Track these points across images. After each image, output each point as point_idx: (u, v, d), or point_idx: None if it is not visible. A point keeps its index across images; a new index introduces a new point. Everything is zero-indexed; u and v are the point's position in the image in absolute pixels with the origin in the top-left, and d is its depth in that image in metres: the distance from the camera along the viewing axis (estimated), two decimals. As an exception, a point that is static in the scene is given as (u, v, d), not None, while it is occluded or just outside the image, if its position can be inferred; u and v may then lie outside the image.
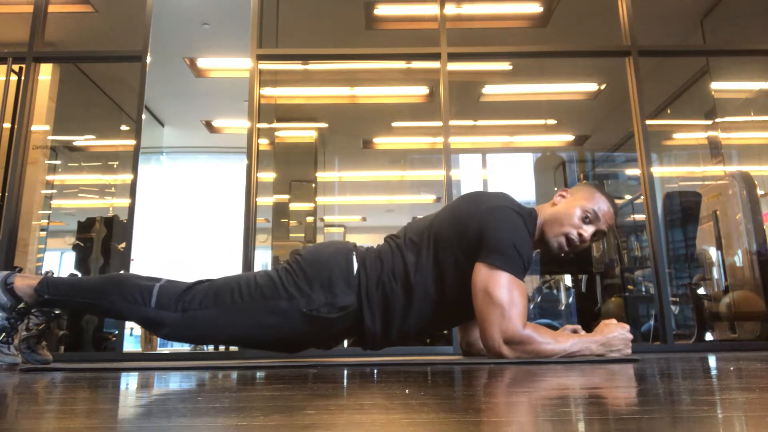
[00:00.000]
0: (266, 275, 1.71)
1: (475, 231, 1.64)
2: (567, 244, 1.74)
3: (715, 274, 3.99)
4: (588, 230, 1.73)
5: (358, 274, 1.67)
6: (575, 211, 1.74)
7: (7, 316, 1.66)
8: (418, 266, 1.68)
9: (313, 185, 5.89)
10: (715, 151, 5.02)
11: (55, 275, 1.74)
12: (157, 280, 1.70)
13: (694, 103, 5.14)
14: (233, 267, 3.44)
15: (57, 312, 1.75)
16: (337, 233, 7.37)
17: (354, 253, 1.72)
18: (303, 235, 5.82)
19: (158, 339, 5.39)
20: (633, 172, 5.03)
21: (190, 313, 1.64)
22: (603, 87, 5.33)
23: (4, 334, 1.64)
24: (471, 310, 1.64)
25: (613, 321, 1.69)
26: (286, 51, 4.20)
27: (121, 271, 3.34)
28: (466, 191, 1.86)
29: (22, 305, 1.67)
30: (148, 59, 3.50)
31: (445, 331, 4.02)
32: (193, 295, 1.66)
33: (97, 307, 1.72)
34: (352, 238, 8.35)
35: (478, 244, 1.62)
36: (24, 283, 1.69)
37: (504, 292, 1.56)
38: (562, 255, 1.78)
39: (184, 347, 8.97)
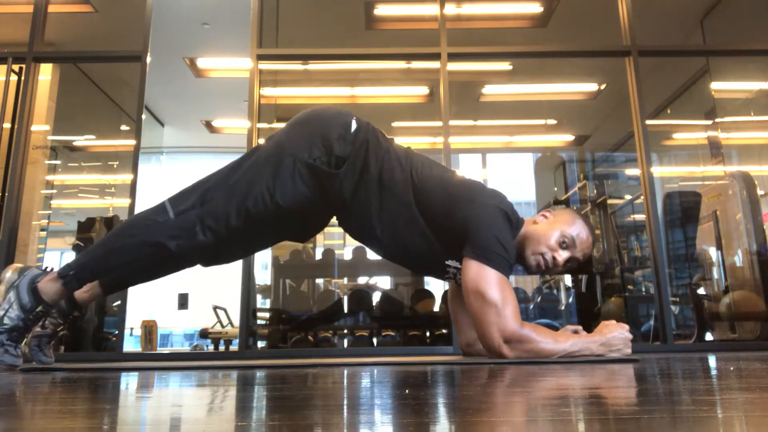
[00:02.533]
0: (268, 145, 1.74)
1: (459, 217, 1.66)
2: (542, 264, 1.74)
3: (715, 274, 3.99)
4: (562, 255, 1.73)
5: (356, 134, 1.70)
6: (554, 234, 1.73)
7: (24, 317, 1.61)
8: (401, 187, 1.70)
9: (313, 185, 5.87)
10: (715, 151, 5.02)
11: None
12: (161, 201, 1.69)
13: (694, 103, 5.14)
14: (233, 266, 3.44)
15: (75, 314, 1.74)
16: (337, 233, 7.37)
17: (354, 117, 1.76)
18: (303, 235, 5.80)
19: (158, 339, 5.38)
20: (633, 172, 5.02)
21: (208, 204, 1.64)
22: (603, 87, 5.33)
23: (15, 333, 1.61)
24: (428, 267, 1.78)
25: (613, 321, 1.69)
26: (286, 51, 4.20)
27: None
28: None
29: (40, 308, 1.64)
30: (148, 59, 3.50)
31: (444, 330, 4.02)
32: (205, 188, 1.67)
33: (124, 252, 1.65)
34: (352, 238, 8.33)
35: (460, 233, 1.64)
36: (48, 279, 1.65)
37: (496, 291, 1.56)
38: (532, 274, 1.79)
39: (184, 347, 8.97)
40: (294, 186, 1.66)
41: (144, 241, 1.63)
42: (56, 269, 1.69)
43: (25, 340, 1.67)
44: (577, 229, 1.75)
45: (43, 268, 1.71)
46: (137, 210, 3.26)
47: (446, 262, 1.76)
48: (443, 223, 1.68)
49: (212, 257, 1.80)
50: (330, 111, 1.78)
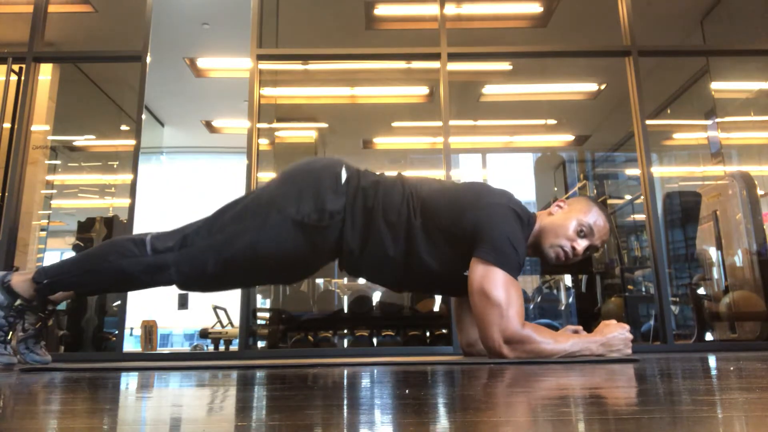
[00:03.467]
0: (255, 194, 1.73)
1: (470, 222, 1.64)
2: (561, 256, 1.74)
3: (715, 274, 3.99)
4: (581, 244, 1.73)
5: (347, 183, 1.69)
6: (571, 224, 1.73)
7: (4, 314, 1.65)
8: (408, 217, 1.69)
9: (313, 185, 5.88)
10: (715, 150, 5.02)
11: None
12: (147, 233, 1.70)
13: (694, 103, 5.14)
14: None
15: (51, 308, 1.74)
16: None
17: (344, 166, 1.74)
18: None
19: (158, 339, 5.39)
20: (633, 172, 5.02)
21: (187, 249, 1.64)
22: (603, 87, 5.33)
23: (1, 332, 1.64)
24: (445, 285, 1.68)
25: (613, 321, 1.69)
26: (286, 51, 4.20)
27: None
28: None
29: (18, 302, 1.67)
30: (148, 59, 3.50)
31: (444, 330, 4.02)
32: (187, 233, 1.67)
33: (98, 274, 1.69)
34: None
35: (471, 236, 1.63)
36: (20, 279, 1.69)
37: (501, 292, 1.56)
38: (553, 266, 1.79)
39: (184, 347, 8.97)
40: (279, 241, 1.65)
41: (118, 269, 1.65)
42: (26, 270, 1.72)
43: (11, 339, 1.69)
44: (594, 216, 1.74)
45: (10, 268, 1.75)
46: (137, 210, 3.27)
47: (464, 274, 1.74)
48: (455, 233, 1.67)
49: (187, 287, 1.80)
50: (318, 163, 1.76)
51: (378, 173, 1.80)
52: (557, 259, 1.74)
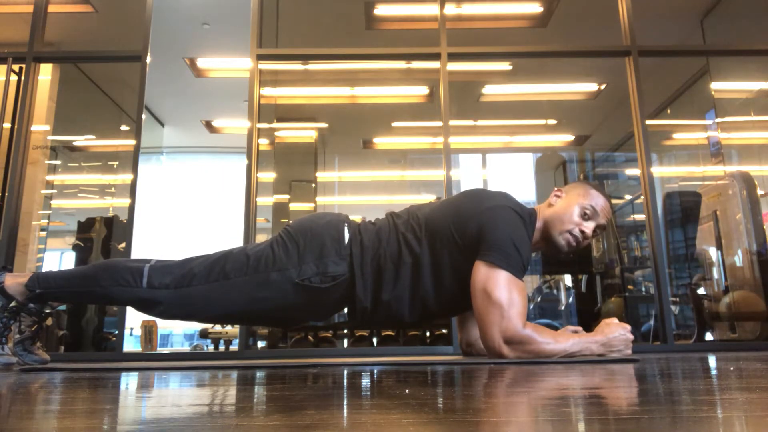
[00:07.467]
0: (258, 249, 1.71)
1: (474, 229, 1.65)
2: (572, 241, 1.77)
3: (715, 274, 3.99)
4: (589, 226, 1.77)
5: (350, 245, 1.69)
6: (574, 209, 1.77)
7: (0, 315, 1.66)
8: (414, 255, 1.69)
9: (313, 185, 5.89)
10: (715, 150, 5.02)
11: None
12: (147, 261, 1.70)
13: (694, 103, 5.14)
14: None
15: (48, 311, 1.75)
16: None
17: (346, 224, 1.74)
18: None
19: (158, 339, 5.38)
20: (633, 172, 5.02)
21: (182, 290, 1.64)
22: (603, 87, 5.33)
23: None
24: (467, 303, 1.66)
25: (614, 320, 1.69)
26: (286, 51, 4.20)
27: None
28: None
29: (13, 304, 1.67)
30: (148, 59, 3.50)
31: (444, 330, 4.02)
32: (185, 272, 1.66)
33: (89, 295, 1.71)
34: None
35: (477, 242, 1.63)
36: (14, 281, 1.69)
37: (503, 292, 1.56)
38: (567, 253, 1.81)
39: (184, 347, 8.97)
40: (277, 298, 1.66)
41: (108, 295, 1.67)
42: (22, 272, 1.74)
43: (9, 344, 1.69)
44: (594, 198, 1.79)
45: (2, 268, 1.75)
46: (137, 210, 3.27)
47: None
48: (463, 244, 1.67)
49: (170, 319, 1.80)
50: (321, 221, 1.75)
51: (374, 221, 1.81)
52: (569, 245, 1.78)
